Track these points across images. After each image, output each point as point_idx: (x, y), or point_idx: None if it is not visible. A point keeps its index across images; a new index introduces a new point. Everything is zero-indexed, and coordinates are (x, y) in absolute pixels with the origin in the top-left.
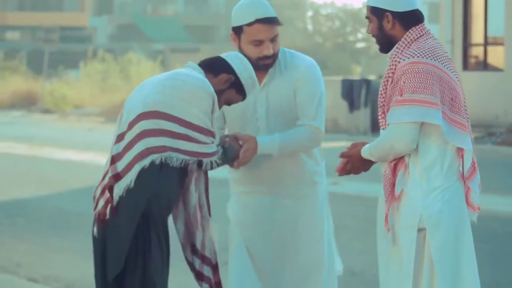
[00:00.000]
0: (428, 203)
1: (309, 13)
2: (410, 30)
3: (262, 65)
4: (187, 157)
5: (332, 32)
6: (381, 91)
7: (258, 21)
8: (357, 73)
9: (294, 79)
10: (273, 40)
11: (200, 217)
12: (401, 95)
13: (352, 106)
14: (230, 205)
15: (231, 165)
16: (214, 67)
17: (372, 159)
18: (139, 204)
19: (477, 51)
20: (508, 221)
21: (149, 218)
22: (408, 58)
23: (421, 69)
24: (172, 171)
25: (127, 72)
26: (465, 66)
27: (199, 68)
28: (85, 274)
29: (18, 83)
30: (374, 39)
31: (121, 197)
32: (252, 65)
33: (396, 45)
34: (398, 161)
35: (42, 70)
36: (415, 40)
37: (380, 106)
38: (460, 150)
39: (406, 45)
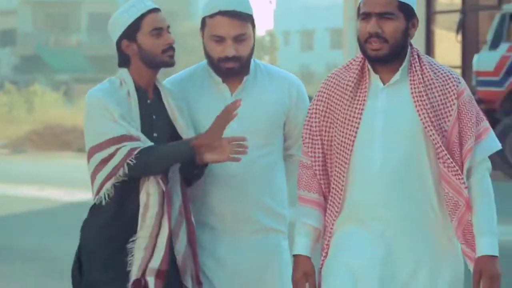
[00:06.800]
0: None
1: None
2: (410, 41)
3: (224, 69)
4: None
5: None
6: (443, 119)
7: (221, 13)
8: None
9: (283, 97)
10: (237, 39)
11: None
12: (480, 122)
13: None
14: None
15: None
16: (120, 57)
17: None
18: None
19: None
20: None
21: None
22: (459, 81)
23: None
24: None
25: (32, 104)
26: None
27: (121, 70)
28: None
29: None
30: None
31: None
32: (216, 67)
33: (414, 56)
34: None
35: None
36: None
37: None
38: None
39: (419, 58)
